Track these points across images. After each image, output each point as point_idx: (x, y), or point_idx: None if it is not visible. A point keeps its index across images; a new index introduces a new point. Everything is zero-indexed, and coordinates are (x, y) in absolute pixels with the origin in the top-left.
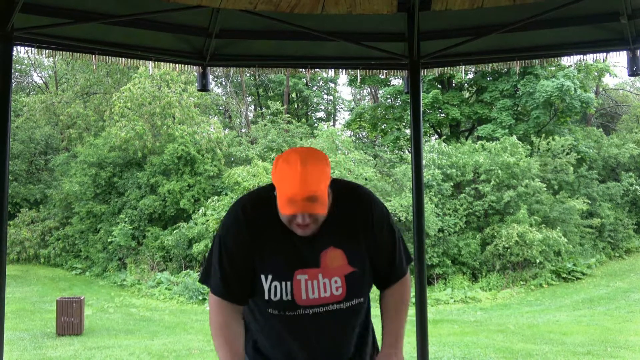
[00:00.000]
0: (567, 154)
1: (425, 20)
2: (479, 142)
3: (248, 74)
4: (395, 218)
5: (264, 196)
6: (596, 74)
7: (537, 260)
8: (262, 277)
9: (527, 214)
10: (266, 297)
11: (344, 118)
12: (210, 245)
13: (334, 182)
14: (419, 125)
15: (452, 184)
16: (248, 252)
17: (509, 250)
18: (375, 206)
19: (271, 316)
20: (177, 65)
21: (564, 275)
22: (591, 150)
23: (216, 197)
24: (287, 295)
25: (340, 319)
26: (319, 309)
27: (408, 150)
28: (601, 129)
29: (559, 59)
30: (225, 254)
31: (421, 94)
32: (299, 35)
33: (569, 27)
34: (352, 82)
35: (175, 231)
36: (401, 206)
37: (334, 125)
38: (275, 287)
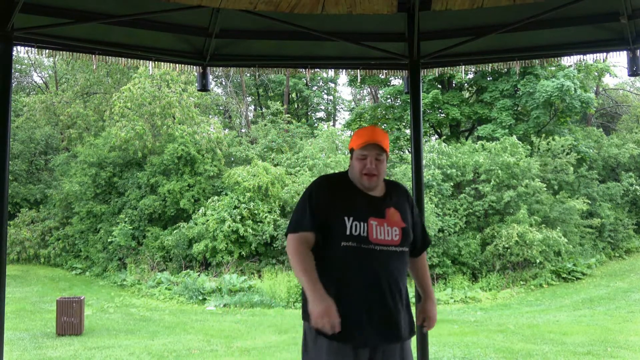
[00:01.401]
0: (567, 154)
1: (425, 20)
2: (479, 142)
3: (248, 74)
4: None
5: (339, 174)
6: (596, 74)
7: (537, 260)
8: (345, 217)
9: (527, 214)
10: (347, 232)
11: (344, 118)
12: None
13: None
14: (419, 125)
15: (452, 184)
16: (330, 202)
17: (509, 250)
18: (412, 199)
19: (348, 250)
20: (177, 65)
21: (564, 275)
22: (591, 150)
23: (216, 197)
24: (364, 232)
25: (396, 258)
26: (383, 247)
27: (408, 150)
28: (601, 129)
29: (559, 59)
30: (315, 198)
31: (421, 94)
32: (299, 35)
33: (569, 27)
34: (352, 82)
35: (175, 231)
36: None
37: (334, 125)
38: (355, 225)
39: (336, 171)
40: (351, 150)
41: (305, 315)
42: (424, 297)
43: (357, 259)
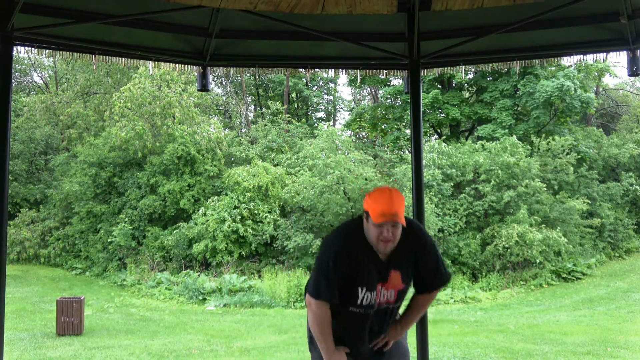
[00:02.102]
0: (567, 154)
1: (425, 20)
2: (479, 142)
3: (248, 74)
4: None
5: (354, 231)
6: (596, 74)
7: (537, 260)
8: (359, 288)
9: (527, 214)
10: (359, 302)
11: (344, 118)
12: (312, 263)
13: None
14: (419, 125)
15: (452, 184)
16: (348, 273)
17: (509, 250)
18: (426, 240)
19: (353, 314)
20: (177, 65)
21: (564, 275)
22: (591, 150)
23: (216, 197)
24: (372, 301)
25: (388, 313)
26: (382, 307)
27: (408, 150)
28: (601, 129)
29: (559, 59)
30: (335, 270)
31: (421, 94)
32: (299, 35)
33: (569, 27)
34: (352, 82)
35: (175, 231)
36: None
37: (334, 125)
38: (367, 296)
39: (336, 172)
40: (367, 213)
41: (311, 347)
42: (397, 322)
43: (360, 318)
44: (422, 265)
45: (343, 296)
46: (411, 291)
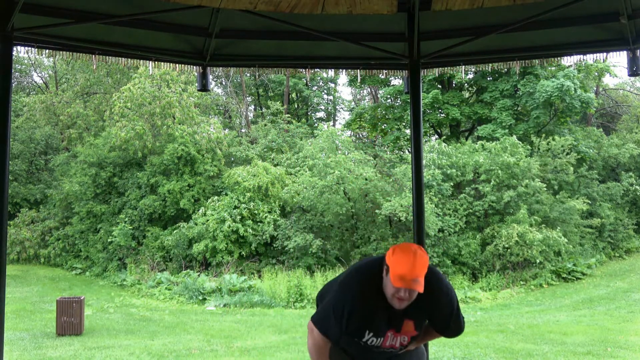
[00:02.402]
0: (567, 154)
1: (425, 20)
2: (479, 142)
3: (248, 74)
4: (395, 218)
5: (373, 279)
6: (596, 74)
7: (537, 260)
8: (366, 331)
9: (527, 214)
10: (363, 342)
11: (344, 118)
12: (323, 296)
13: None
14: (419, 125)
15: (452, 184)
16: (360, 319)
17: (509, 250)
18: (439, 296)
19: (360, 347)
20: (177, 65)
21: (564, 275)
22: (591, 150)
23: (216, 197)
24: (378, 343)
25: (397, 354)
26: (390, 350)
27: (408, 150)
28: (601, 129)
29: (559, 59)
30: (349, 319)
31: (421, 94)
32: (299, 35)
33: (569, 27)
34: (352, 82)
35: (175, 231)
36: (401, 206)
37: (334, 125)
38: (372, 340)
39: (336, 172)
40: (387, 268)
41: None
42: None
43: (364, 354)
44: (434, 317)
45: (349, 333)
46: None
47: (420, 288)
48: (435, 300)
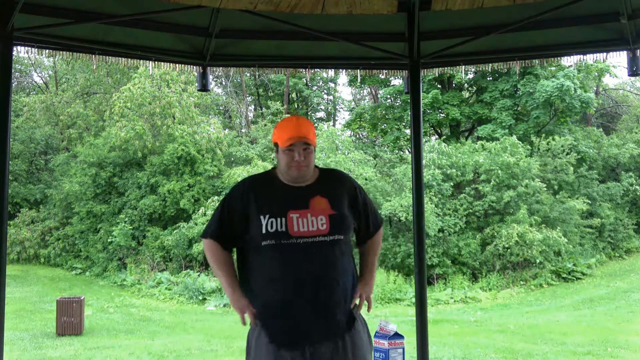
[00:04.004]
0: (567, 154)
1: (425, 20)
2: (479, 142)
3: (248, 74)
4: (395, 218)
5: (260, 174)
6: (596, 74)
7: (537, 260)
8: (261, 217)
9: (527, 214)
10: (264, 230)
11: (344, 118)
12: None
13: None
14: (419, 125)
15: (452, 184)
16: (246, 203)
17: (509, 250)
18: (353, 180)
19: (268, 248)
20: (177, 65)
21: (564, 275)
22: (591, 150)
23: (216, 197)
24: (281, 227)
25: (326, 248)
26: (308, 239)
27: (408, 150)
28: (601, 129)
29: (559, 59)
30: (227, 206)
31: (421, 94)
32: (299, 35)
33: (569, 27)
34: (352, 82)
35: (175, 231)
36: (401, 206)
37: (334, 125)
38: (271, 222)
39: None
40: (275, 144)
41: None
42: (359, 279)
43: (279, 257)
44: (358, 203)
45: (250, 232)
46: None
47: (312, 142)
48: (338, 174)
